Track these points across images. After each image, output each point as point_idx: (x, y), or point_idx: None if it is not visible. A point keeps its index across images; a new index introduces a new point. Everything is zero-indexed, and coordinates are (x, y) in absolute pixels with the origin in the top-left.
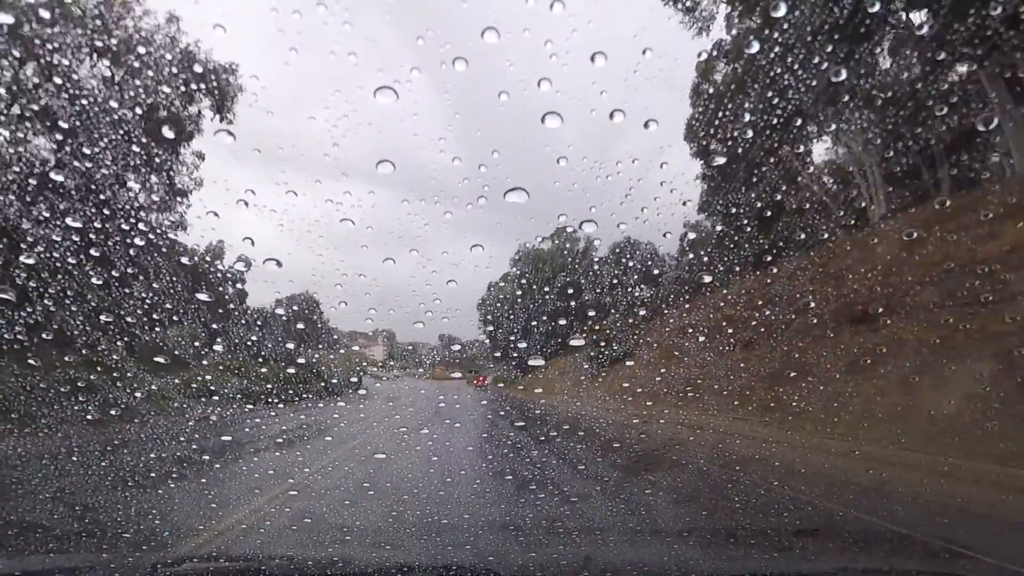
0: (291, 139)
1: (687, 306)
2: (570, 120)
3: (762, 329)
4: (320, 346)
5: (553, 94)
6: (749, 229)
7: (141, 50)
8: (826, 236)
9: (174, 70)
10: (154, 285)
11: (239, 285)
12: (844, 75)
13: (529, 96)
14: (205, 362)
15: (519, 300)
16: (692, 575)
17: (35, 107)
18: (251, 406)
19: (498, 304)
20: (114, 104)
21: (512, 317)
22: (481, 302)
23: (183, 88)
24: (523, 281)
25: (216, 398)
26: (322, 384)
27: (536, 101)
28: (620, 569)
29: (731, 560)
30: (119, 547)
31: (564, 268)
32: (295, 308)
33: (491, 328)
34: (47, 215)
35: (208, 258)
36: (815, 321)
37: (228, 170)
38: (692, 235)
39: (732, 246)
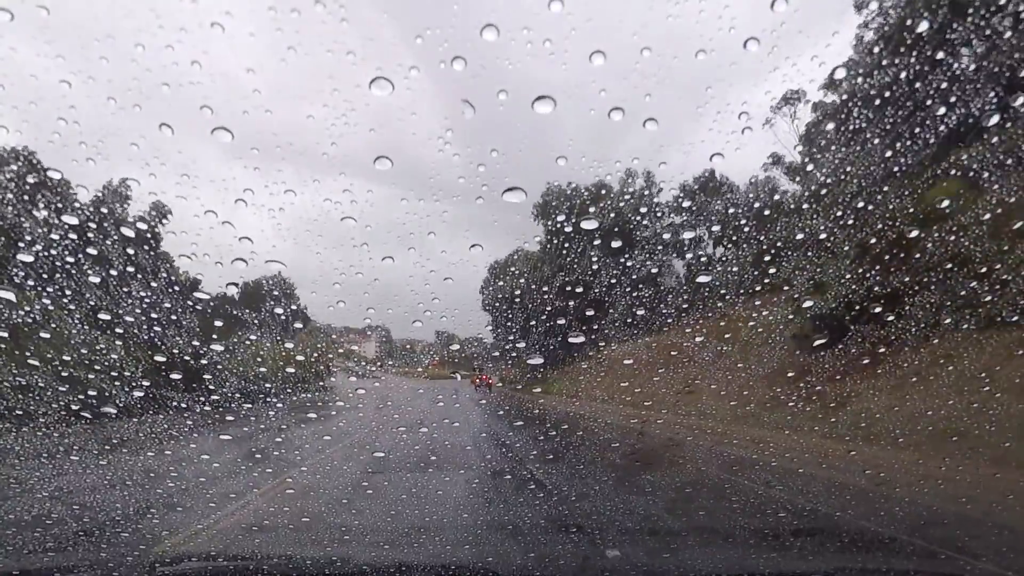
0: (289, 137)
1: None
2: (569, 119)
3: None
4: (288, 333)
5: (552, 93)
6: None
7: None
8: None
9: None
10: None
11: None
12: None
13: (528, 95)
14: None
15: (538, 279)
16: (690, 574)
17: None
18: None
19: (508, 289)
20: None
21: (524, 303)
22: (485, 283)
23: None
24: (549, 247)
25: None
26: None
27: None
28: (619, 568)
29: (728, 560)
30: (118, 546)
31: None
32: (259, 287)
33: (496, 318)
34: None
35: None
36: None
37: (226, 169)
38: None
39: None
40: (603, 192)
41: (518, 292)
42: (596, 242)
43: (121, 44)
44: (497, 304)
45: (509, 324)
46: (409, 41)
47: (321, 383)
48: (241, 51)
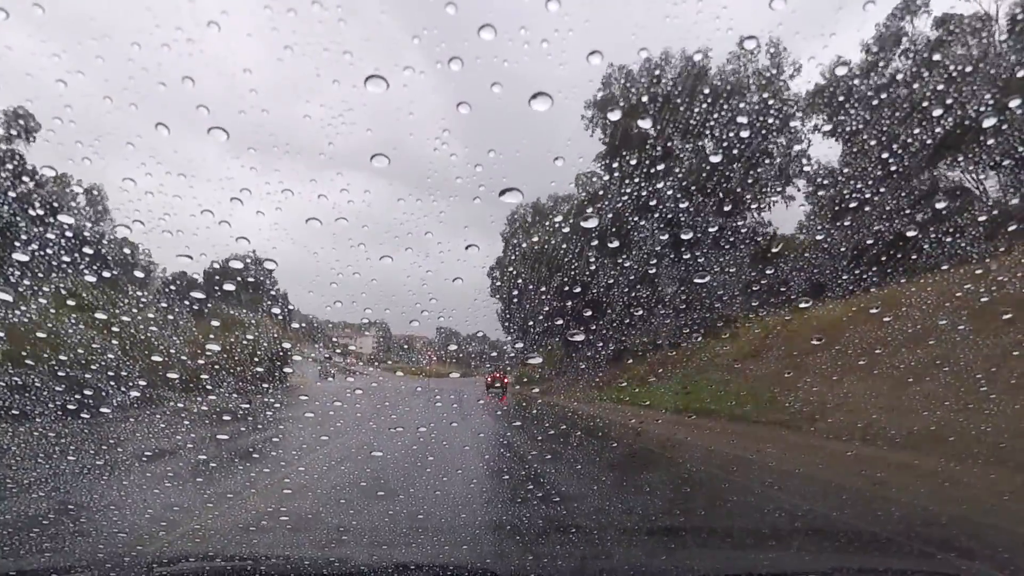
0: (286, 137)
1: None
2: (567, 119)
3: None
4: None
5: (550, 93)
6: None
7: None
8: None
9: None
10: None
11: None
12: None
13: (525, 95)
14: None
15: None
16: (688, 574)
17: None
18: None
19: (528, 255)
20: None
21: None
22: (496, 264)
23: None
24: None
25: None
26: None
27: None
28: (616, 569)
29: (727, 559)
30: (115, 545)
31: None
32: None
33: (507, 307)
34: None
35: None
36: None
37: (223, 168)
38: None
39: None
40: (702, 69)
41: (545, 254)
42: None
43: (117, 43)
44: (514, 280)
45: (525, 310)
46: (407, 41)
47: (284, 381)
48: (238, 50)
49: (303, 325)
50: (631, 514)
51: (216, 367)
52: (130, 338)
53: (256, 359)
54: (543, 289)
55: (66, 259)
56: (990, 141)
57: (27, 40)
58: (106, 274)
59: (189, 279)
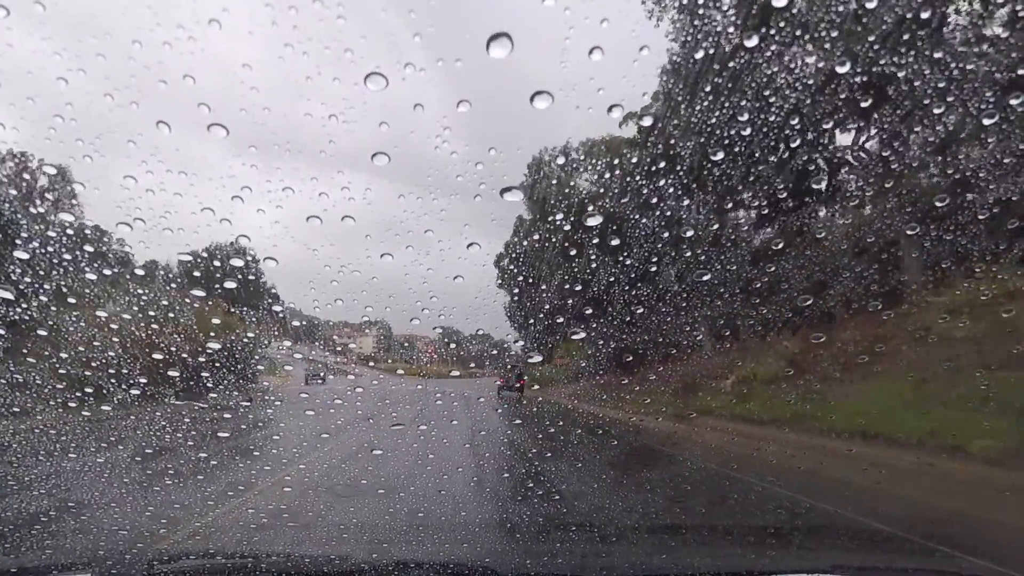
0: (287, 135)
1: None
2: (567, 116)
3: None
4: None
5: (551, 90)
6: None
7: None
8: None
9: None
10: None
11: None
12: None
13: (526, 93)
14: None
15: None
16: (688, 572)
17: None
18: None
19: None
20: None
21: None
22: (506, 248)
23: None
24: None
25: None
26: None
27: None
28: (617, 566)
29: (727, 557)
30: (115, 543)
31: None
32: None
33: (514, 296)
34: None
35: None
36: None
37: (224, 167)
38: None
39: None
40: None
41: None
42: None
43: (118, 41)
44: (522, 271)
45: (526, 307)
46: (408, 39)
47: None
48: (239, 48)
49: (303, 324)
50: (631, 512)
51: (181, 363)
52: (116, 333)
53: (236, 358)
54: (554, 282)
55: (67, 257)
56: None
57: (28, 38)
58: (88, 268)
59: (163, 267)
